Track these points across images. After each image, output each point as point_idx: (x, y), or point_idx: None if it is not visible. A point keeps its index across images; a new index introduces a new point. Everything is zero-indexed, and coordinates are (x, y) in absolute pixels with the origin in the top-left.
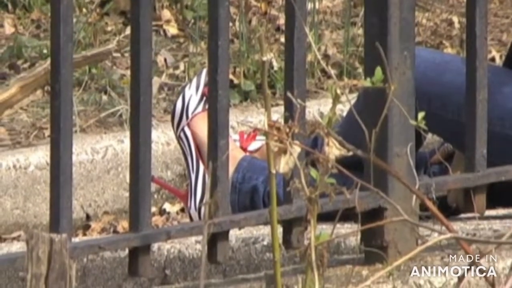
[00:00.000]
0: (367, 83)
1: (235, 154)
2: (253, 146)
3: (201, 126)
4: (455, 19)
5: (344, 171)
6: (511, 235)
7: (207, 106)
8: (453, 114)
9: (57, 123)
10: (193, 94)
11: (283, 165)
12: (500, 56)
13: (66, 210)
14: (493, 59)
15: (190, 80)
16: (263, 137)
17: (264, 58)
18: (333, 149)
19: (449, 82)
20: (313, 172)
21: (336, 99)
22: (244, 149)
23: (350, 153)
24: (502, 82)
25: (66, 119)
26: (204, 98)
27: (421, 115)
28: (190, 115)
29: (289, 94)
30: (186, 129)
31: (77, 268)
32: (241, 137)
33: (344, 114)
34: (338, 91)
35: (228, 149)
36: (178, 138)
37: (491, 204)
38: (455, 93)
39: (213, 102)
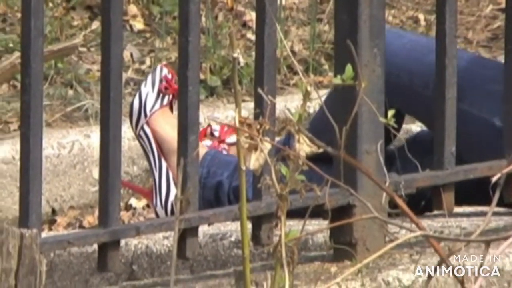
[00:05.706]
0: (337, 80)
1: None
2: (232, 138)
3: (161, 123)
4: (421, 16)
5: (315, 168)
6: (480, 234)
7: (164, 103)
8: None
9: (27, 117)
10: (149, 91)
11: (254, 161)
12: None
13: (35, 205)
14: None
15: (146, 78)
16: None
17: (235, 55)
18: (304, 146)
19: (432, 62)
20: (283, 169)
21: (306, 96)
22: (222, 140)
23: (321, 150)
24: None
25: (36, 114)
26: (161, 95)
27: (391, 112)
28: (148, 113)
29: (259, 91)
30: (146, 127)
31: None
32: (221, 128)
33: (311, 110)
34: (309, 88)
35: (198, 145)
36: (138, 137)
37: (457, 202)
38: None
39: (184, 98)
